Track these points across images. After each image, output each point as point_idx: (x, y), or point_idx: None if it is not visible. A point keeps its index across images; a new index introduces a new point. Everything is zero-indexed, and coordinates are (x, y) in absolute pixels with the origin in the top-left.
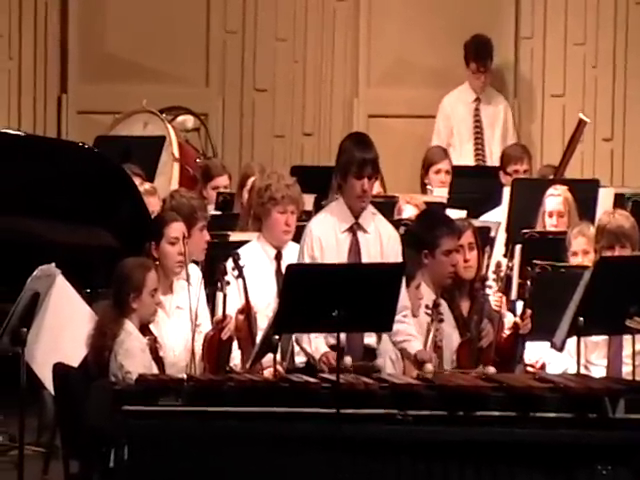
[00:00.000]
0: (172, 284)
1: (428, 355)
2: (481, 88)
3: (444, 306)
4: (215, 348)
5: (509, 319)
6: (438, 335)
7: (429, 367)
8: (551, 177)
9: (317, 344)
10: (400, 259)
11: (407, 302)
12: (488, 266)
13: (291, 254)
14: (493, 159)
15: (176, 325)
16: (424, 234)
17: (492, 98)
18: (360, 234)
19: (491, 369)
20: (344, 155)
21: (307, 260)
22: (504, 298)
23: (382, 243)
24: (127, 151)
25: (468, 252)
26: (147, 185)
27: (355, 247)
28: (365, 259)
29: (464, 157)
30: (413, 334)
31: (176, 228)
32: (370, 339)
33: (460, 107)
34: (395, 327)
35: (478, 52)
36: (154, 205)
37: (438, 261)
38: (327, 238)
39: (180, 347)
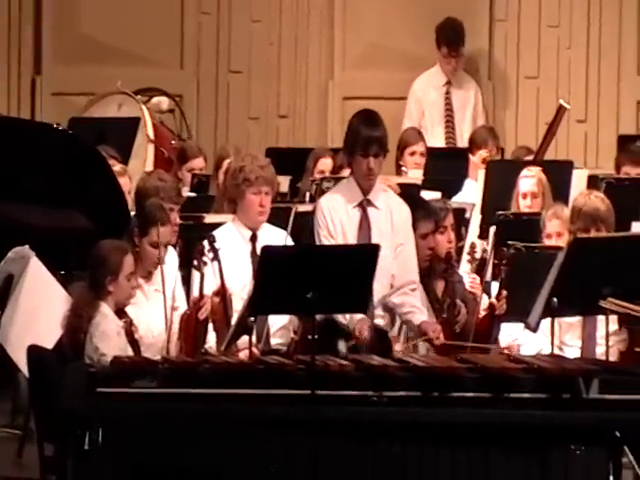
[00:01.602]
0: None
1: (433, 326)
2: (452, 72)
3: (419, 288)
4: (192, 328)
5: (483, 300)
6: None
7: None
8: (525, 158)
9: (352, 314)
10: (411, 234)
11: (415, 276)
12: (462, 247)
13: (266, 236)
14: (464, 141)
15: (155, 307)
16: None
17: (463, 82)
18: (370, 209)
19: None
20: (351, 133)
21: (324, 235)
22: (478, 279)
23: (392, 219)
24: (101, 133)
25: (451, 233)
26: (118, 166)
27: (365, 222)
28: (375, 234)
29: (435, 139)
30: (418, 306)
31: (160, 233)
32: (379, 320)
33: (431, 91)
34: (401, 299)
35: (449, 37)
36: (124, 186)
37: (415, 244)
38: (337, 213)
39: (159, 328)
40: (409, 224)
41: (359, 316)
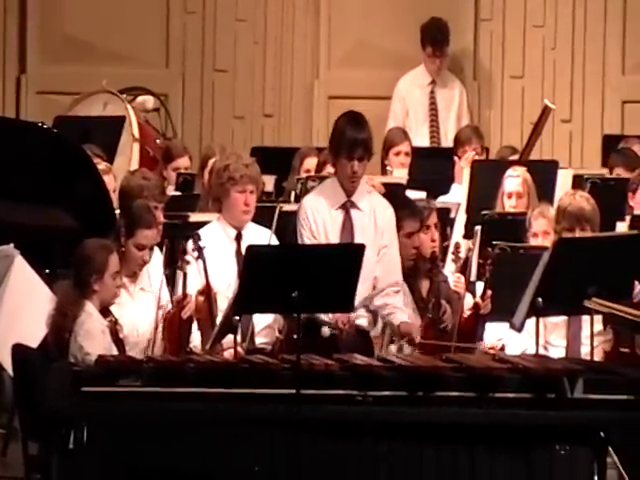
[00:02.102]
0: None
1: (412, 327)
2: (436, 72)
3: (404, 287)
4: (176, 327)
5: (468, 300)
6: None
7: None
8: (510, 158)
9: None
10: (395, 236)
11: (398, 278)
12: (447, 247)
13: (251, 235)
14: (448, 140)
15: (140, 306)
16: None
17: (447, 81)
18: (353, 211)
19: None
20: (337, 134)
21: (307, 236)
22: (463, 278)
23: (376, 220)
24: (87, 132)
25: (435, 232)
26: (102, 164)
27: (348, 224)
28: (358, 236)
29: (419, 139)
30: (399, 307)
31: (146, 236)
32: (361, 320)
33: (416, 90)
34: (383, 300)
35: (434, 37)
36: (108, 184)
37: (401, 243)
38: (320, 214)
39: (143, 328)
40: (393, 226)
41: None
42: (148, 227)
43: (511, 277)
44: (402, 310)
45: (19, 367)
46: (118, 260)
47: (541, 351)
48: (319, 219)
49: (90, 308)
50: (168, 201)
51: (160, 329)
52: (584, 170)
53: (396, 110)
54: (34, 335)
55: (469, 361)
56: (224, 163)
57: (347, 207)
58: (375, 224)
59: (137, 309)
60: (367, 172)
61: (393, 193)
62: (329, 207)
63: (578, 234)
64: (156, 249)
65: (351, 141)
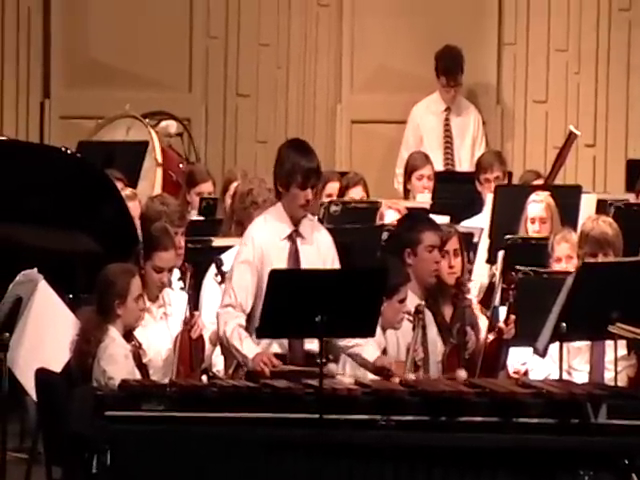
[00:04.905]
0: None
1: (388, 360)
2: (451, 100)
3: (427, 312)
4: (186, 348)
5: (483, 322)
6: (417, 347)
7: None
8: (534, 183)
9: (247, 346)
10: (337, 259)
11: None
12: (470, 272)
13: None
14: (462, 167)
15: (163, 330)
16: (406, 232)
17: (462, 108)
18: (299, 242)
19: (462, 373)
20: (287, 163)
21: (244, 265)
22: (475, 301)
23: (320, 250)
24: (110, 156)
25: (453, 258)
26: (128, 190)
27: (294, 255)
28: (305, 266)
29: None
30: (364, 341)
31: (163, 258)
32: (312, 345)
33: (430, 117)
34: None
35: (447, 67)
36: (134, 210)
37: (421, 258)
38: (267, 245)
39: (167, 352)
40: (335, 254)
41: (255, 350)
42: (165, 249)
43: (534, 302)
44: (367, 342)
45: (42, 391)
46: (140, 283)
47: (564, 376)
48: (265, 251)
49: (113, 333)
50: (191, 226)
51: (177, 351)
52: (608, 195)
53: (409, 137)
54: (57, 360)
55: (493, 386)
56: (247, 187)
57: (293, 237)
58: (318, 252)
59: (160, 333)
60: (388, 196)
61: (415, 212)
62: (276, 239)
63: (601, 259)
64: (175, 272)
65: (305, 171)
